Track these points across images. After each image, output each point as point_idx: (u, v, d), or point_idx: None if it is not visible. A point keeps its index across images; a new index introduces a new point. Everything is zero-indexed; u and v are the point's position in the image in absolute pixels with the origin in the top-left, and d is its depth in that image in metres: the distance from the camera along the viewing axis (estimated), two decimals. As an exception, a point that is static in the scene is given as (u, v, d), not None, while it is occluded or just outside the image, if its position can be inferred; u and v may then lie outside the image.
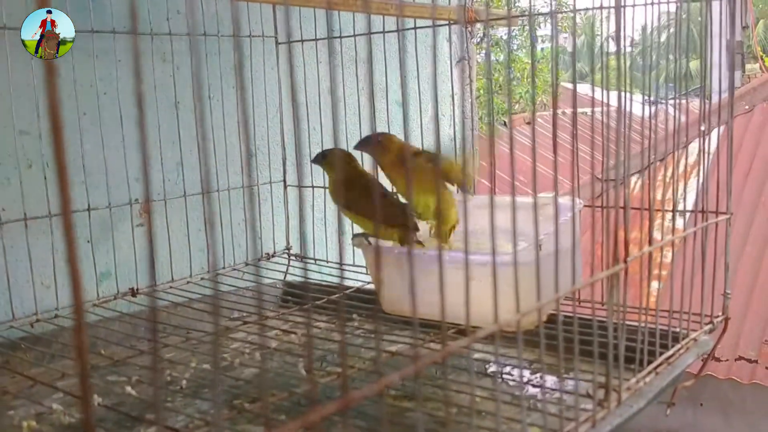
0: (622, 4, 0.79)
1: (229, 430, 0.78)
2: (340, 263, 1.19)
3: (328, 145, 1.57)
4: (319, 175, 1.52)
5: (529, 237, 0.90)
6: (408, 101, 0.81)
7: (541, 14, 1.11)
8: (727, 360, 3.13)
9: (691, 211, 0.95)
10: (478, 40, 1.84)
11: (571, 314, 0.74)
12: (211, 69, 1.38)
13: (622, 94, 0.81)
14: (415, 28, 1.38)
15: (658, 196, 1.02)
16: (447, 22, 1.25)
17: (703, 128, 0.92)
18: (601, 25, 0.90)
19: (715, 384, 3.08)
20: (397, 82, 1.51)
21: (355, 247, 1.19)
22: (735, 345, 3.13)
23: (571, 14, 0.95)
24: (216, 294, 0.96)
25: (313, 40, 1.46)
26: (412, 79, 1.67)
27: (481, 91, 2.02)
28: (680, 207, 1.21)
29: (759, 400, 3.15)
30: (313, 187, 1.50)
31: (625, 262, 0.75)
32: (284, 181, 1.52)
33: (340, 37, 1.45)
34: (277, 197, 1.51)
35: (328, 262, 1.48)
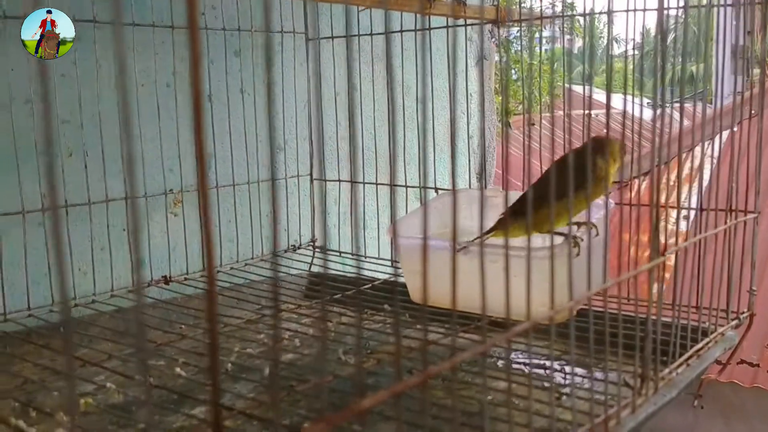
0: (666, 6, 0.81)
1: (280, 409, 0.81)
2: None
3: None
4: (345, 170, 1.56)
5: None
6: (428, 99, 0.83)
7: (576, 15, 1.14)
8: (729, 363, 3.16)
9: (721, 210, 0.98)
10: (498, 39, 1.87)
11: (605, 311, 0.76)
12: (244, 64, 1.41)
13: (658, 95, 0.83)
14: (447, 27, 1.41)
15: (663, 198, 1.05)
16: (479, 21, 1.28)
17: (735, 129, 0.95)
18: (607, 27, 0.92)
19: (717, 387, 3.10)
20: (418, 80, 1.54)
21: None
22: (737, 348, 3.15)
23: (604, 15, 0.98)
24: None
25: (342, 36, 1.49)
26: (435, 77, 1.70)
27: (498, 88, 2.04)
28: (686, 207, 1.24)
29: (760, 404, 3.17)
30: (339, 181, 1.53)
31: (664, 255, 0.78)
32: (311, 174, 1.54)
33: (371, 34, 1.47)
34: (303, 190, 1.54)
35: (353, 254, 1.51)
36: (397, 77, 1.64)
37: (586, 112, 0.91)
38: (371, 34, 1.46)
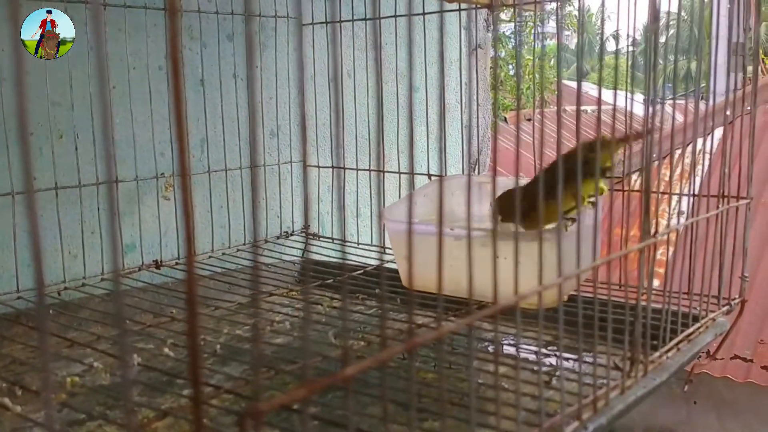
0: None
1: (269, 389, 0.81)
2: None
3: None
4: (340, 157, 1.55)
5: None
6: (421, 87, 0.83)
7: None
8: (722, 358, 3.15)
9: (714, 196, 0.98)
10: (494, 27, 1.86)
11: (595, 296, 0.76)
12: (237, 48, 1.40)
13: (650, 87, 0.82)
14: (441, 12, 1.40)
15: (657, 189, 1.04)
16: (472, 6, 1.27)
17: (728, 112, 0.94)
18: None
19: (710, 382, 3.10)
20: (416, 67, 1.53)
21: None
22: (730, 343, 3.14)
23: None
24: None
25: (336, 22, 1.48)
26: (429, 65, 1.69)
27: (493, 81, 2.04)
28: (681, 203, 1.24)
29: (753, 400, 3.18)
30: (333, 167, 1.52)
31: (655, 236, 0.78)
32: (304, 161, 1.54)
33: (364, 20, 1.47)
34: (297, 177, 1.54)
35: (344, 241, 1.51)
36: (391, 65, 1.63)
37: (581, 108, 0.91)
38: (364, 20, 1.45)
